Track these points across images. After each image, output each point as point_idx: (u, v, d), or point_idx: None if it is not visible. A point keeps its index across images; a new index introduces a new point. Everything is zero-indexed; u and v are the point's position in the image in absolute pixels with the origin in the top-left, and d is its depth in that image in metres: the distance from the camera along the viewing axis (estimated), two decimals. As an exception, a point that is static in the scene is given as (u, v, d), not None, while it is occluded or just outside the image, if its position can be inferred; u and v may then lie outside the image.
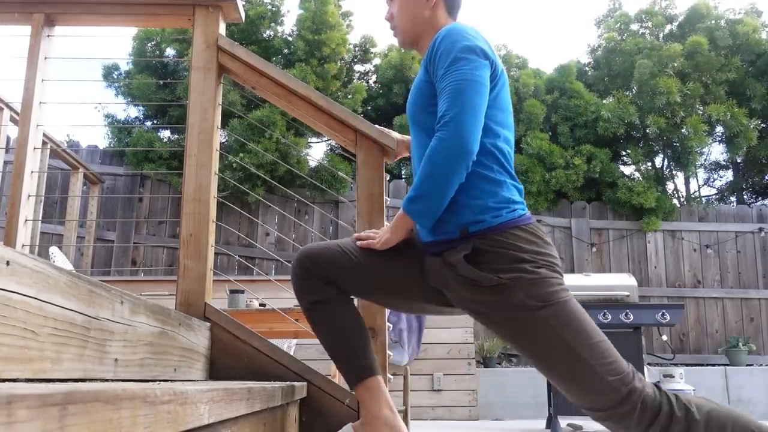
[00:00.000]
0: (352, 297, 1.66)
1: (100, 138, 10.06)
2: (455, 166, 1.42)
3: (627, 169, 7.64)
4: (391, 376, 3.82)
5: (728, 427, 1.39)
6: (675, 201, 7.46)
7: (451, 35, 1.51)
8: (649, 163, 7.53)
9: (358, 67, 7.63)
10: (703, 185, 8.22)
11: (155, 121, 7.21)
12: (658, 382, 4.10)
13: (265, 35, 6.98)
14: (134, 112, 7.43)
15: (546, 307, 1.41)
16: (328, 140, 7.28)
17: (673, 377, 4.05)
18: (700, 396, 1.47)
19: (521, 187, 1.58)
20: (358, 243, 1.64)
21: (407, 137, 2.13)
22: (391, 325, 2.67)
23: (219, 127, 2.20)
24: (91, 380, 1.14)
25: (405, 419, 3.22)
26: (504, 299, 1.43)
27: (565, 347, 1.40)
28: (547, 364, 1.43)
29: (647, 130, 7.14)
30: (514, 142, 1.61)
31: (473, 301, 1.48)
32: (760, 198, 8.00)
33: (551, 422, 4.07)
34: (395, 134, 2.15)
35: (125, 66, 7.09)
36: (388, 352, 2.01)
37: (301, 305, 1.63)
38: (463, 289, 1.49)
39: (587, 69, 7.98)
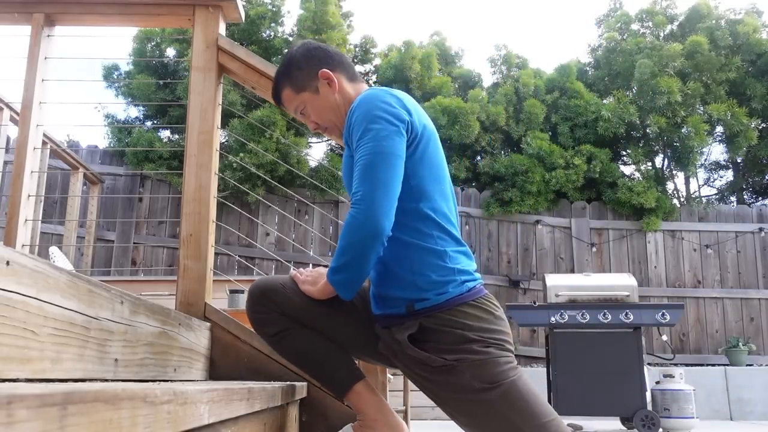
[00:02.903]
0: None
1: (100, 138, 10.06)
2: (368, 245, 1.38)
3: (627, 169, 7.65)
4: (391, 376, 3.81)
5: None
6: (675, 201, 7.46)
7: (361, 105, 1.46)
8: (649, 163, 7.53)
9: (358, 68, 7.64)
10: (703, 185, 8.22)
11: (155, 121, 7.21)
12: (658, 382, 4.10)
13: (265, 35, 6.98)
14: (134, 112, 7.43)
15: (493, 388, 1.37)
16: (328, 140, 7.28)
17: (673, 377, 4.05)
18: None
19: (467, 250, 1.51)
20: (292, 276, 1.58)
21: None
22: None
23: (219, 127, 2.20)
24: (91, 380, 1.14)
25: (405, 419, 3.21)
26: (451, 380, 1.40)
27: (512, 428, 1.37)
28: None
29: (647, 130, 7.14)
30: (453, 195, 1.56)
31: (422, 377, 1.45)
32: (760, 198, 8.00)
33: (551, 422, 4.06)
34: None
35: (125, 66, 7.10)
36: (388, 352, 2.01)
37: (262, 338, 1.58)
38: (411, 366, 1.45)
39: (587, 69, 7.98)
